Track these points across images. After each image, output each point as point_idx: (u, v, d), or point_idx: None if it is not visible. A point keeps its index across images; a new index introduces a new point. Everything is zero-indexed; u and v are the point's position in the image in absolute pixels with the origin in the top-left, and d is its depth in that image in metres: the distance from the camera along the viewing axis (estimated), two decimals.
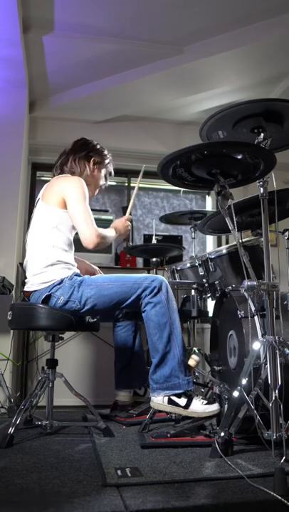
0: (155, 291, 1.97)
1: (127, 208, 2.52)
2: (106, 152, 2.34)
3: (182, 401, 1.88)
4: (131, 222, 2.50)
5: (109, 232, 2.18)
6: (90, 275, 2.21)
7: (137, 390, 2.50)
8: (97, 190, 2.36)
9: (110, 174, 2.40)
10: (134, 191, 2.51)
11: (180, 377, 1.90)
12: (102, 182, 2.37)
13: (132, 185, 4.24)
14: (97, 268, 2.48)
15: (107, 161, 2.34)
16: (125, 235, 2.38)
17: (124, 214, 2.47)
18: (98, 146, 2.33)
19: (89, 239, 2.00)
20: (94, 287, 1.98)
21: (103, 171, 2.35)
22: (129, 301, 1.99)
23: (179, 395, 1.88)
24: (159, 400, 1.90)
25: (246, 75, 3.41)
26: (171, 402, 1.88)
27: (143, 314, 2.01)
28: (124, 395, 2.40)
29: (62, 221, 2.04)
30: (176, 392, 1.88)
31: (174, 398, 1.88)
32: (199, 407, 1.87)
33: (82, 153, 2.25)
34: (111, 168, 2.39)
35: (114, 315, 2.38)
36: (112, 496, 1.19)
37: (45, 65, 3.34)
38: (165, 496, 1.19)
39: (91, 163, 2.26)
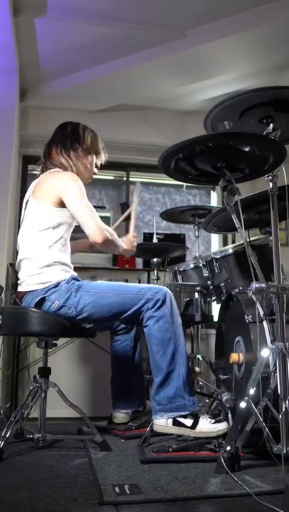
0: (158, 304, 1.96)
1: (125, 204, 2.52)
2: (94, 136, 2.22)
3: (188, 421, 1.88)
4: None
5: (115, 235, 2.15)
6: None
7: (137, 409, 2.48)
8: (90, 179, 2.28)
9: (101, 164, 2.27)
10: (134, 210, 2.42)
11: (185, 397, 1.90)
12: (95, 169, 2.25)
13: (130, 179, 4.25)
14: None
15: (98, 146, 2.23)
16: (132, 251, 2.34)
17: (123, 211, 2.47)
18: (85, 132, 2.19)
19: (98, 233, 1.96)
20: (92, 294, 1.97)
21: (94, 158, 2.23)
22: (129, 312, 1.98)
23: (184, 415, 1.89)
24: (162, 423, 1.90)
25: (254, 60, 3.41)
26: (176, 423, 1.89)
27: (145, 329, 2.00)
28: (123, 417, 2.32)
29: (58, 221, 2.03)
30: (181, 413, 1.89)
31: (180, 418, 1.89)
32: (207, 426, 1.88)
33: (67, 143, 2.14)
34: (104, 156, 2.27)
35: (112, 326, 2.35)
36: None
37: (37, 50, 3.34)
38: None
39: (80, 152, 2.16)
